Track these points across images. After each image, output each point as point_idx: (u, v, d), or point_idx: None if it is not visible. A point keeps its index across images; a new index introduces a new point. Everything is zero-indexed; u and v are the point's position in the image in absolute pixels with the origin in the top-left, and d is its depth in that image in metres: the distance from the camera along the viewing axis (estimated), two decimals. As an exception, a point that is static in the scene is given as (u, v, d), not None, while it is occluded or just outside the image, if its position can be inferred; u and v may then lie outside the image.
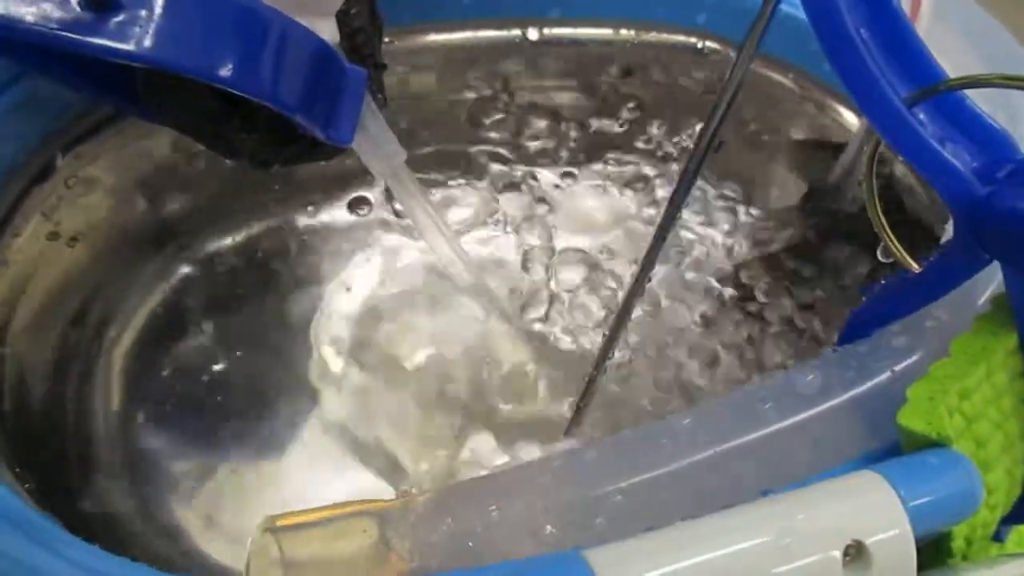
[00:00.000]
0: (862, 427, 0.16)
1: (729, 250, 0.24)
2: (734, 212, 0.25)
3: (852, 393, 0.16)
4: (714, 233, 0.25)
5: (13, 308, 0.17)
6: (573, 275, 0.25)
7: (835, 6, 0.14)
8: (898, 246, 0.16)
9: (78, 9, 0.14)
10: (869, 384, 0.16)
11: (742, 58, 0.13)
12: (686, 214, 0.24)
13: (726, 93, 0.13)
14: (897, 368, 0.16)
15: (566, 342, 0.24)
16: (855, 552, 0.12)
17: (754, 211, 0.25)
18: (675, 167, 0.26)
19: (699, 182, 0.26)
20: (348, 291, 0.23)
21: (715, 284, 0.24)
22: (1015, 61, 0.21)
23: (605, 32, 0.24)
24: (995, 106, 0.19)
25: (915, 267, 0.16)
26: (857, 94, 0.15)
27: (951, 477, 0.14)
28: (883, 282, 0.17)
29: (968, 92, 0.15)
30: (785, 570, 0.12)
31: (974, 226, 0.14)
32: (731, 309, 0.24)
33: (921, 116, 0.15)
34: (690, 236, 0.25)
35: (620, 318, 0.16)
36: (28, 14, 0.13)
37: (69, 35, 0.14)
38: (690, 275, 0.25)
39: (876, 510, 0.13)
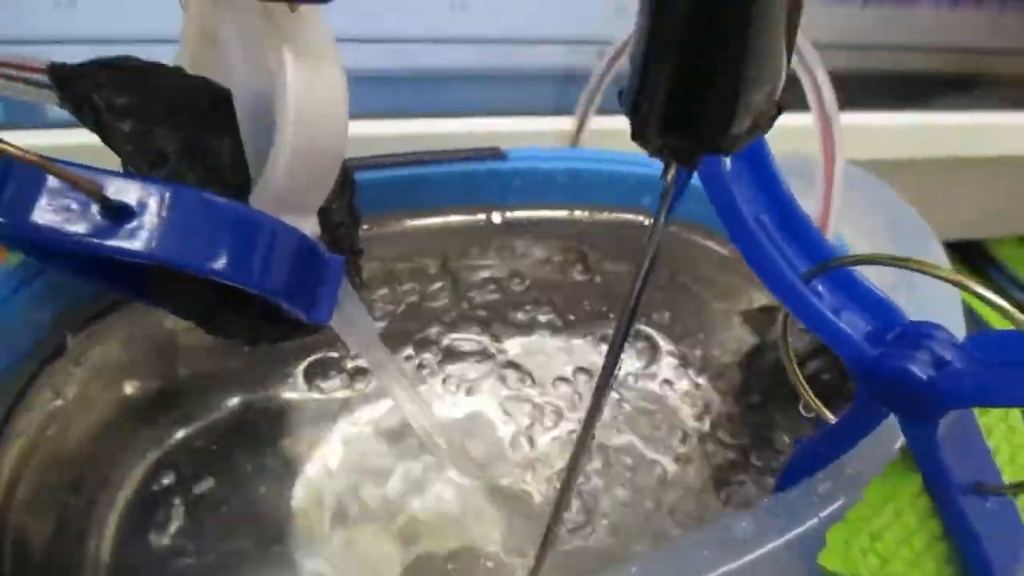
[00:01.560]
0: (794, 569, 0.17)
1: (676, 404, 0.26)
2: (683, 367, 0.27)
3: (784, 538, 0.17)
4: (661, 388, 0.27)
5: (20, 477, 0.18)
6: (546, 434, 0.27)
7: (733, 200, 0.17)
8: (815, 401, 0.18)
9: (98, 218, 0.16)
10: (798, 530, 0.17)
11: (651, 238, 0.15)
12: (631, 366, 0.26)
13: (643, 264, 0.15)
14: (822, 514, 0.17)
15: (540, 499, 0.25)
16: None
17: (700, 366, 0.27)
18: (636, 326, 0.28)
19: (653, 340, 0.28)
20: (328, 456, 0.25)
21: (664, 435, 0.26)
22: (914, 228, 0.24)
23: (561, 214, 0.26)
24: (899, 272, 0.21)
25: (831, 419, 0.18)
26: (760, 274, 0.17)
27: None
28: (810, 434, 0.19)
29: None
30: None
31: (869, 383, 0.16)
32: (680, 458, 0.25)
33: (819, 288, 0.17)
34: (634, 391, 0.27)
35: (569, 475, 0.18)
36: (56, 223, 0.16)
37: (91, 240, 0.16)
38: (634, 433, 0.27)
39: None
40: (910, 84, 0.43)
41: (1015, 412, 0.19)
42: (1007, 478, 0.17)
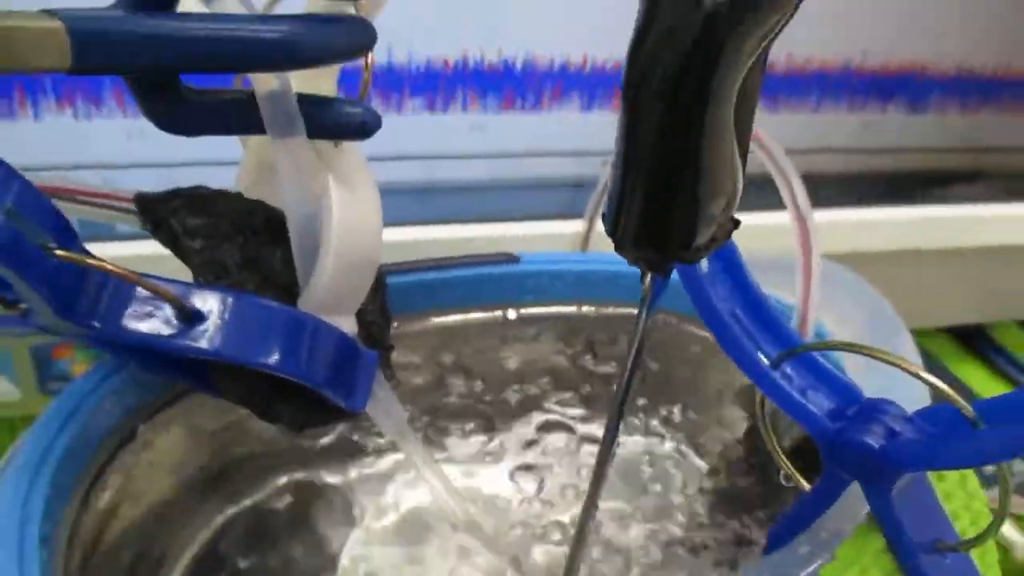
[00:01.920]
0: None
1: (681, 482, 0.29)
2: (679, 453, 0.29)
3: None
4: (664, 464, 0.30)
5: (98, 545, 0.21)
6: (564, 512, 0.29)
7: (710, 299, 0.20)
8: (791, 470, 0.21)
9: (175, 321, 0.20)
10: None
11: (636, 333, 0.18)
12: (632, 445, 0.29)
13: (631, 354, 0.18)
14: (801, 574, 0.20)
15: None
16: None
17: (697, 445, 0.29)
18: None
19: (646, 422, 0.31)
20: (367, 531, 0.27)
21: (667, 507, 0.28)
22: (886, 317, 0.26)
23: (570, 309, 0.29)
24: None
25: (806, 486, 0.20)
26: (736, 361, 0.20)
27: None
28: (792, 502, 0.21)
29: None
30: None
31: (831, 453, 0.19)
32: (682, 527, 0.27)
33: (789, 372, 0.20)
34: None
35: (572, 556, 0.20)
36: (142, 327, 0.19)
37: (168, 340, 0.19)
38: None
39: None
40: (898, 182, 0.46)
41: (973, 480, 0.21)
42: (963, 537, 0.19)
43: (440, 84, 0.33)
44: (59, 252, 0.18)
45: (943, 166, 0.49)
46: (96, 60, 0.17)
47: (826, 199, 0.43)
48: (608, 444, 0.19)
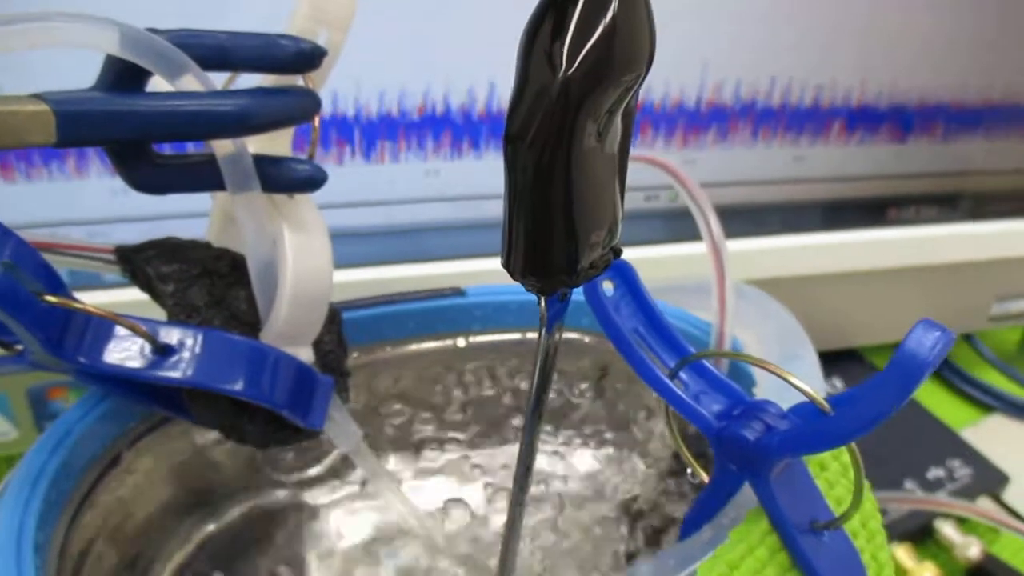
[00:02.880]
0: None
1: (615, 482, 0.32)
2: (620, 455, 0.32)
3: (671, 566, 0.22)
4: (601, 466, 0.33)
5: (87, 555, 0.24)
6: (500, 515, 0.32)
7: (612, 320, 0.23)
8: (693, 464, 0.24)
9: (150, 355, 0.23)
10: (685, 571, 0.22)
11: (539, 349, 0.21)
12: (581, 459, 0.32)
13: (536, 370, 0.21)
14: (703, 557, 0.22)
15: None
16: None
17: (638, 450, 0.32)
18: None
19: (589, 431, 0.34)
20: (332, 542, 0.30)
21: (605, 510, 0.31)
22: (793, 330, 0.29)
23: (514, 336, 0.32)
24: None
25: (705, 478, 0.23)
26: (638, 373, 0.23)
27: (718, 620, 0.20)
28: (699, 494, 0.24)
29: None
30: None
31: (719, 448, 0.22)
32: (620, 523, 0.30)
33: (684, 377, 0.23)
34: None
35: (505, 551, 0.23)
36: (121, 360, 0.22)
37: (143, 371, 0.22)
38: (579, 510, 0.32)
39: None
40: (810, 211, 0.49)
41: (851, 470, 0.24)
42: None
43: (398, 134, 0.37)
44: (48, 297, 0.21)
45: (887, 192, 0.52)
46: (78, 135, 0.20)
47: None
48: (527, 451, 0.22)
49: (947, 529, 0.43)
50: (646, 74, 0.18)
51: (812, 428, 0.20)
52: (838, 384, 0.53)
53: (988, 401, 0.55)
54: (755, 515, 0.22)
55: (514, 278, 0.19)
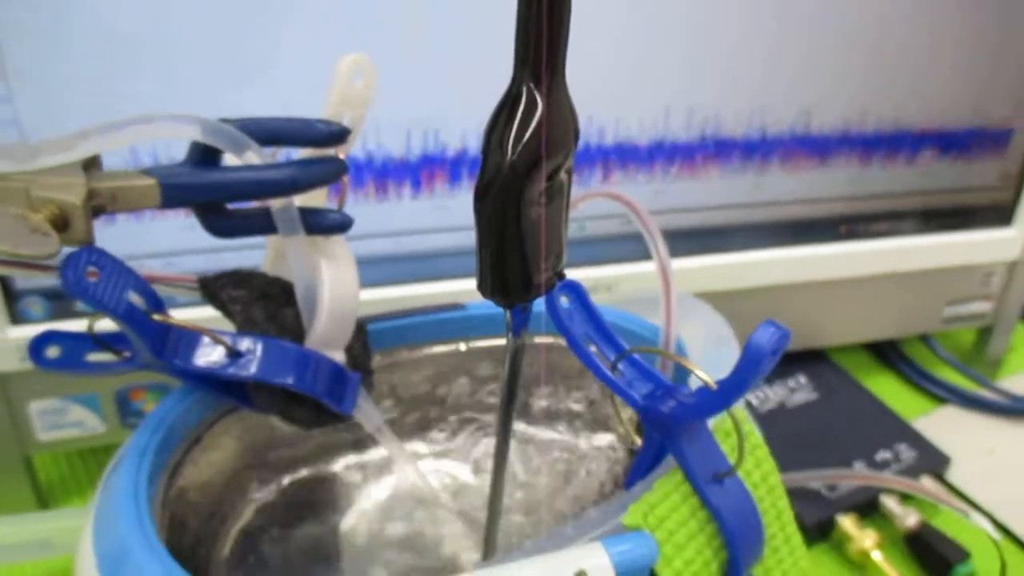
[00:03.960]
0: (619, 529, 0.29)
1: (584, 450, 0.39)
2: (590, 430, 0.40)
3: (617, 517, 0.30)
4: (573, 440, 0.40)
5: (177, 512, 0.32)
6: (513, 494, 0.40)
7: (567, 326, 0.30)
8: (629, 431, 0.31)
9: (225, 358, 0.31)
10: (619, 507, 0.30)
11: (507, 352, 0.29)
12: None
13: (505, 370, 0.29)
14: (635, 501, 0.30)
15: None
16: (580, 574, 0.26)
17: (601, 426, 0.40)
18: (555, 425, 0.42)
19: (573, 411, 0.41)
20: (366, 502, 0.38)
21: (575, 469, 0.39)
22: (722, 331, 0.37)
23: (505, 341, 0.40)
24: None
25: (639, 442, 0.31)
26: (587, 366, 0.30)
27: (637, 542, 0.27)
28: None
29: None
30: None
31: (647, 419, 0.29)
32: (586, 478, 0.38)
33: (622, 368, 0.31)
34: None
35: (493, 495, 0.31)
36: (204, 361, 0.30)
37: (222, 369, 0.30)
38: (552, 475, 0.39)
39: (593, 555, 0.26)
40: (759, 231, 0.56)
41: (755, 436, 0.31)
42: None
43: (419, 172, 0.45)
44: (155, 316, 0.29)
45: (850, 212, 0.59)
46: (176, 200, 0.29)
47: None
48: (503, 436, 0.30)
49: (890, 503, 0.50)
50: (575, 150, 0.26)
51: (702, 401, 0.27)
52: (802, 380, 0.60)
53: (941, 394, 0.62)
54: (673, 470, 0.30)
55: (485, 297, 0.27)
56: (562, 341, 0.31)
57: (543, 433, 0.42)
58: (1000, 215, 0.60)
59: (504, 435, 0.31)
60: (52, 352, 0.32)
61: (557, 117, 0.25)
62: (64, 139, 0.27)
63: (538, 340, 0.41)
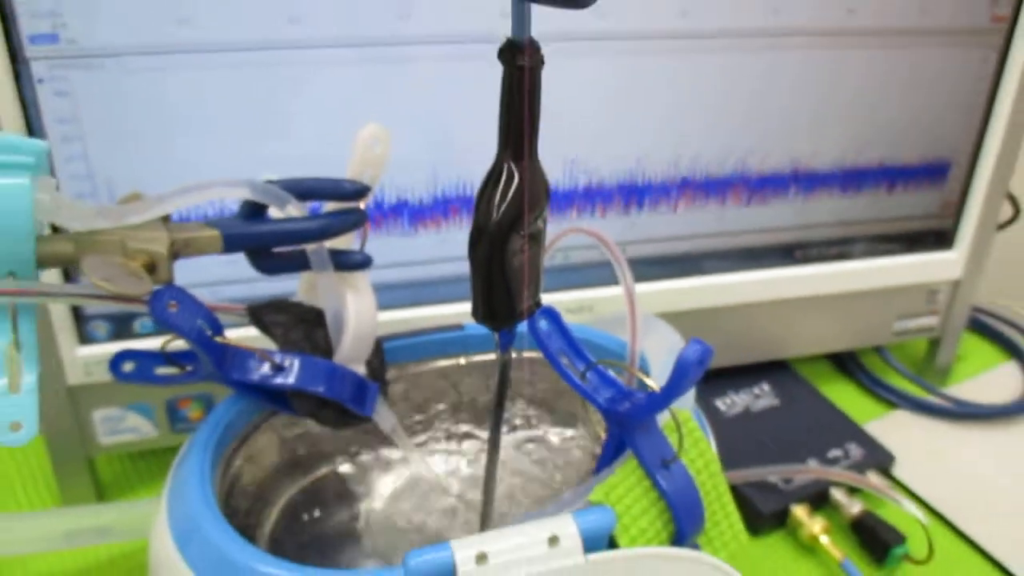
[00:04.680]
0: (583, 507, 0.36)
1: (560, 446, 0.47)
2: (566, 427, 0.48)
3: (586, 496, 0.37)
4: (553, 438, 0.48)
5: (230, 494, 0.39)
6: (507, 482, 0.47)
7: (546, 344, 0.38)
8: (598, 429, 0.39)
9: (270, 371, 0.38)
10: (586, 488, 0.37)
11: (497, 365, 0.36)
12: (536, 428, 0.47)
13: (497, 379, 0.36)
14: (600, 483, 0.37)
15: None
16: (553, 540, 0.33)
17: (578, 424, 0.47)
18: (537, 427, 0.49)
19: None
20: (382, 492, 0.45)
21: (552, 457, 0.46)
22: (675, 344, 0.44)
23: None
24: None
25: (602, 436, 0.38)
26: (561, 377, 0.38)
27: (599, 514, 0.34)
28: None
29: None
30: (526, 540, 0.33)
31: (607, 418, 0.37)
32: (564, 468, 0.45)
33: (590, 377, 0.38)
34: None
35: (488, 479, 0.38)
36: (255, 374, 0.38)
37: (268, 380, 0.38)
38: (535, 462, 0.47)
39: (564, 524, 0.33)
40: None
41: (697, 431, 0.39)
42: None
43: (424, 214, 0.53)
44: (217, 338, 0.37)
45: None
46: (234, 247, 0.36)
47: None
48: (495, 431, 0.37)
49: (838, 495, 0.57)
50: (546, 207, 0.33)
51: (650, 402, 0.35)
52: (766, 387, 0.67)
53: (893, 399, 0.69)
54: (630, 458, 0.37)
55: (477, 322, 0.34)
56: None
57: (536, 432, 0.49)
58: (942, 239, 0.68)
59: (496, 430, 0.38)
60: (127, 367, 0.40)
61: (532, 185, 0.32)
62: (147, 202, 0.35)
63: (525, 355, 0.48)
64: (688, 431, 0.38)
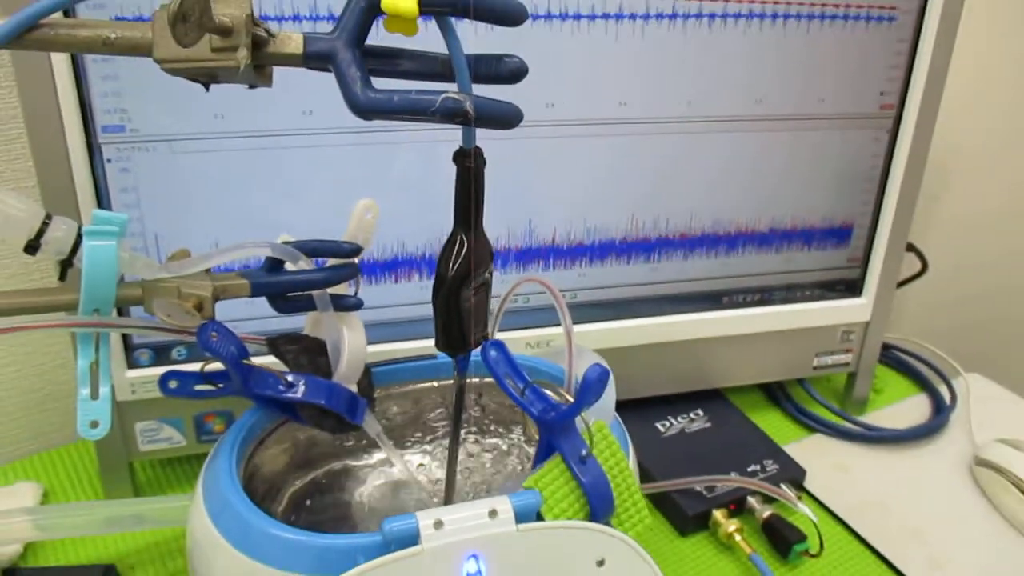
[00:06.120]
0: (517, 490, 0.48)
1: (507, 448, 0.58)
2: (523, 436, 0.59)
3: (518, 480, 0.48)
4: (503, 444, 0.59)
5: (251, 484, 0.51)
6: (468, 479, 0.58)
7: (495, 369, 0.49)
8: (534, 433, 0.50)
9: (282, 387, 0.50)
10: (522, 478, 0.48)
11: (455, 387, 0.48)
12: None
13: (454, 400, 0.48)
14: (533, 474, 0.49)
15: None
16: (493, 513, 0.44)
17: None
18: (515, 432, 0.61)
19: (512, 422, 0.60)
20: (371, 487, 0.57)
21: (505, 459, 0.58)
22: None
23: (474, 381, 0.59)
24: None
25: (536, 438, 0.50)
26: (507, 393, 0.49)
27: (529, 496, 0.45)
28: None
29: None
30: (472, 513, 0.44)
31: (539, 426, 0.48)
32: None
33: (528, 393, 0.50)
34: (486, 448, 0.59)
35: (450, 467, 0.50)
36: (271, 390, 0.49)
37: (283, 395, 0.50)
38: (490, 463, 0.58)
39: (501, 502, 0.45)
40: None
41: (610, 435, 0.50)
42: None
43: (403, 268, 0.65)
44: (245, 361, 0.48)
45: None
46: (259, 292, 0.48)
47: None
48: (455, 435, 0.49)
49: (753, 501, 0.69)
50: (491, 265, 0.45)
51: (567, 411, 0.46)
52: (700, 412, 0.79)
53: (812, 424, 0.81)
54: (557, 456, 0.48)
55: (439, 350, 0.46)
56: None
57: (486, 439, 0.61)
58: (852, 287, 0.80)
59: (455, 433, 0.50)
60: (172, 384, 0.51)
61: (479, 249, 0.44)
62: (195, 259, 0.47)
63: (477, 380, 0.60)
64: (602, 436, 0.49)
